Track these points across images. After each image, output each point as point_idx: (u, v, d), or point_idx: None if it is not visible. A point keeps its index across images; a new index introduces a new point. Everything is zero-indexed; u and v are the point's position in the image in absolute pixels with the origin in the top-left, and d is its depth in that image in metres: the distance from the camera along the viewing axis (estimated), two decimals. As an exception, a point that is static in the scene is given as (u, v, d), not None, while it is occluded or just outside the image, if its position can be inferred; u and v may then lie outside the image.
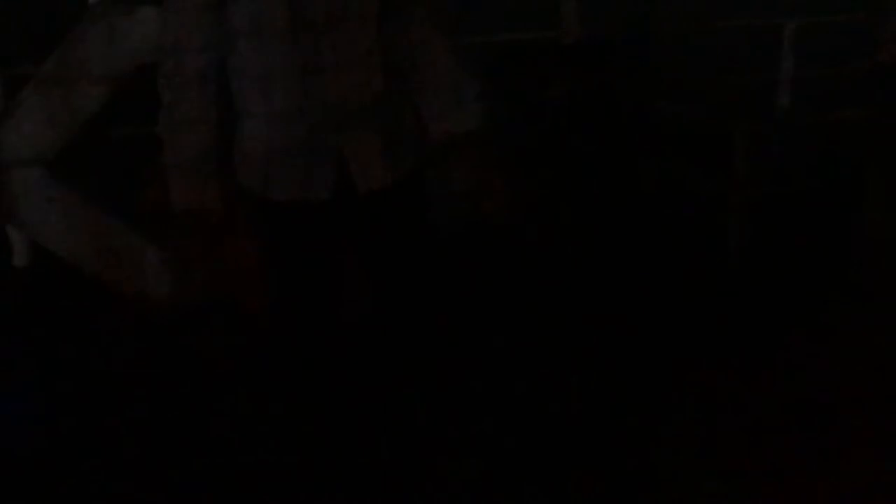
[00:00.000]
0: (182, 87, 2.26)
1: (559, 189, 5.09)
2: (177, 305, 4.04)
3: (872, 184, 5.02)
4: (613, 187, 5.16)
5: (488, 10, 6.69)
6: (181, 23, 2.24)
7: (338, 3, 2.17)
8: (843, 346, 3.83)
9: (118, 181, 4.35)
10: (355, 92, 2.22)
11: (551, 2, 5.74)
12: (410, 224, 2.42)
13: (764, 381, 3.56)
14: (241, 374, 3.49)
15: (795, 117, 5.58)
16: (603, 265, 4.61)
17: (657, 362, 3.68)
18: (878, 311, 4.14)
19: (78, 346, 3.84)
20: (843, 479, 2.93)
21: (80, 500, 2.91)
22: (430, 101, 2.39)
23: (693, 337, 3.89)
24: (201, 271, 2.50)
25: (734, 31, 6.53)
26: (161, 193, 4.15)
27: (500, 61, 5.40)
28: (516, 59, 5.54)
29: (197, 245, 2.36)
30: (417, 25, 2.35)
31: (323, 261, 2.39)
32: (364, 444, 2.53)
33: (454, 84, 2.39)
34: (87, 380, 3.58)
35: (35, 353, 3.79)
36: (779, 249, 4.77)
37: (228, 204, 2.34)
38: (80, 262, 4.14)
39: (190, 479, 2.96)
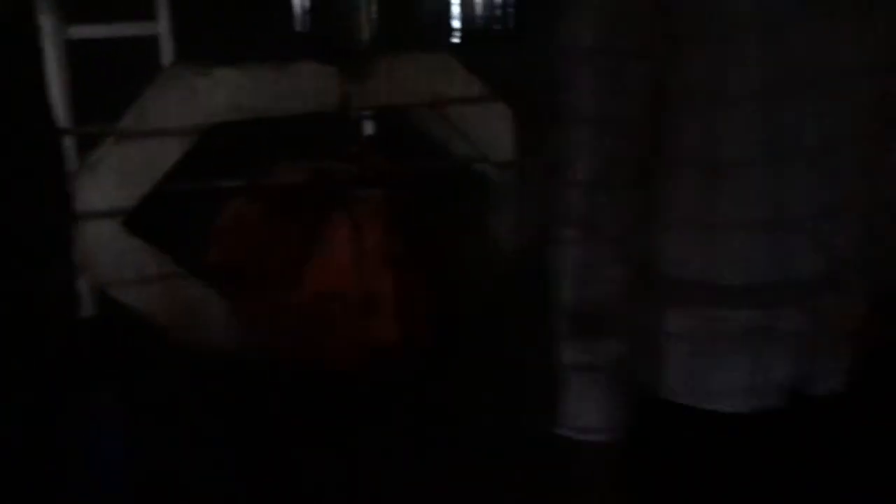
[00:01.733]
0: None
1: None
2: (242, 358, 4.11)
3: None
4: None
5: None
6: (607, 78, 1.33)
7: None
8: None
9: (181, 236, 4.45)
10: (854, 238, 1.38)
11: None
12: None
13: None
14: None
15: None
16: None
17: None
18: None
19: (147, 395, 3.89)
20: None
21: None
22: None
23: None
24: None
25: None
26: (223, 250, 4.27)
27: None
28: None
29: None
30: None
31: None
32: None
33: None
34: (161, 427, 3.63)
35: (105, 401, 3.84)
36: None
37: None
38: (149, 313, 4.23)
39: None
